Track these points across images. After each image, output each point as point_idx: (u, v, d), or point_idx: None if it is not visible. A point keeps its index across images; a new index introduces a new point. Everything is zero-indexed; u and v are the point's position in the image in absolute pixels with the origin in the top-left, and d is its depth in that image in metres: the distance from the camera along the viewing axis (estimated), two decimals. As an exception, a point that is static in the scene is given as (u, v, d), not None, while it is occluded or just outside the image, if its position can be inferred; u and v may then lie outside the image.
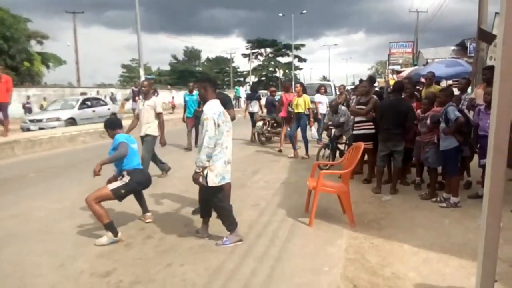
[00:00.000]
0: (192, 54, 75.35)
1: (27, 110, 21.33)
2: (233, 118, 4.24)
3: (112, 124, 4.39)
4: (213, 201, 3.93)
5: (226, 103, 4.42)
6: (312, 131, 9.56)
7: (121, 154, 4.07)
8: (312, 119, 9.17)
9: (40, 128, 13.58)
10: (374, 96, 6.61)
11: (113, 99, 27.11)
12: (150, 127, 6.43)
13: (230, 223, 3.99)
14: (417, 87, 7.61)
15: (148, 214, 4.68)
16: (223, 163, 3.81)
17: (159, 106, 6.53)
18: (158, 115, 6.49)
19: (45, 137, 10.83)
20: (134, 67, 64.62)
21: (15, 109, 20.77)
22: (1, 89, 10.19)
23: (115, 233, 3.99)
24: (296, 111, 8.87)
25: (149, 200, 5.06)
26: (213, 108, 3.74)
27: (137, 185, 4.27)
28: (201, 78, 4.12)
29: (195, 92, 9.26)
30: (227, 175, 3.90)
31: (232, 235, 3.99)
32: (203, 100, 3.92)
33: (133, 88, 19.84)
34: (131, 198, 4.49)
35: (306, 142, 9.05)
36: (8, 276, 3.37)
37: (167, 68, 72.95)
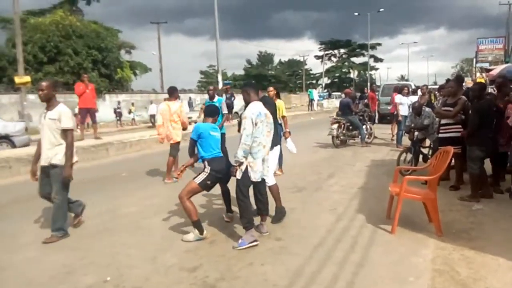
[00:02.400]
0: (265, 58, 76.38)
1: (118, 114, 23.30)
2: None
3: (207, 112, 4.60)
4: (238, 195, 4.08)
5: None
6: (289, 144, 6.38)
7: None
8: (287, 130, 6.79)
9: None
10: (463, 97, 6.17)
11: (191, 104, 28.56)
12: None
13: (248, 221, 4.07)
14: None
15: (230, 214, 4.86)
16: (261, 162, 4.10)
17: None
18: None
19: (134, 139, 11.81)
20: (211, 73, 67.39)
21: (107, 113, 22.93)
22: (90, 97, 11.35)
23: (201, 231, 4.22)
24: None
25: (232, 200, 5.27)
26: (251, 109, 4.05)
27: (216, 173, 4.22)
28: (244, 84, 4.60)
29: (217, 98, 8.11)
30: (266, 172, 4.21)
31: (247, 234, 4.04)
32: (246, 103, 4.26)
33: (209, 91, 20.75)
34: (215, 196, 4.69)
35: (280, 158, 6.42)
36: (107, 266, 3.73)
37: (242, 73, 74.85)
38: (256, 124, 3.99)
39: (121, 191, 6.63)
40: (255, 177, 4.07)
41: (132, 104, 24.94)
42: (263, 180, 4.26)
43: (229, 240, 4.25)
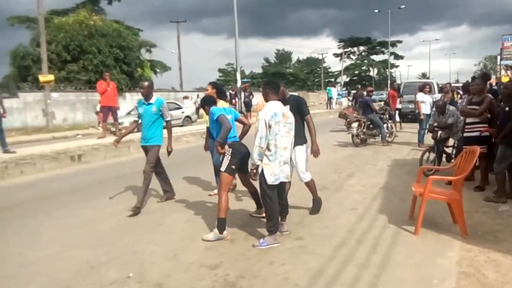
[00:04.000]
0: (283, 57, 76.24)
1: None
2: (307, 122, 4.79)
3: (205, 101, 4.82)
4: (264, 198, 4.05)
5: (300, 107, 4.79)
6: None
7: (226, 127, 4.22)
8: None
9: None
10: (489, 95, 5.99)
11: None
12: None
13: (273, 225, 4.02)
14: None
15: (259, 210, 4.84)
16: (278, 164, 3.94)
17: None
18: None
19: (154, 137, 11.91)
20: (230, 71, 67.55)
21: (128, 111, 23.28)
22: (111, 95, 11.54)
23: (222, 230, 4.19)
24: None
25: (250, 200, 5.28)
26: (266, 109, 3.91)
27: (238, 152, 4.30)
28: (264, 82, 4.47)
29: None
30: (282, 175, 4.01)
31: (270, 237, 4.01)
32: (265, 101, 4.15)
33: (230, 91, 20.82)
34: (238, 195, 4.68)
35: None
36: (130, 262, 3.78)
37: (260, 71, 74.83)
38: (270, 126, 3.85)
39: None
40: (270, 180, 3.93)
41: (152, 102, 25.21)
42: (282, 184, 4.11)
43: (249, 238, 4.25)
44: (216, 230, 4.18)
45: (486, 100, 5.79)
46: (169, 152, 5.82)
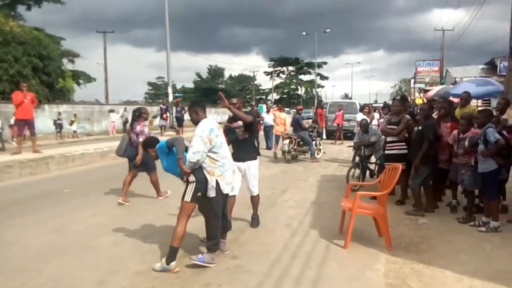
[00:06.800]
0: (215, 72, 76.66)
1: (58, 126, 21.99)
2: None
3: (153, 143, 4.34)
4: (211, 216, 3.93)
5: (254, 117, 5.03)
6: None
7: (179, 140, 3.95)
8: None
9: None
10: (406, 116, 6.52)
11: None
12: None
13: (215, 243, 3.98)
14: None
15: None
16: (231, 173, 4.02)
17: None
18: None
19: (77, 153, 11.15)
20: (160, 84, 66.12)
21: (46, 125, 21.56)
22: (29, 107, 10.55)
23: (170, 261, 3.82)
24: None
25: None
26: (202, 127, 3.87)
27: (203, 180, 3.96)
28: (191, 102, 4.22)
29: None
30: (235, 184, 4.14)
31: (209, 256, 3.93)
32: (195, 123, 4.02)
33: (161, 105, 20.28)
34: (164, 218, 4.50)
35: None
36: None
37: (191, 85, 74.28)
38: (211, 141, 3.83)
39: (64, 209, 6.19)
40: (227, 189, 3.95)
41: (75, 115, 23.69)
42: (227, 195, 4.08)
43: (182, 261, 4.02)
44: (163, 260, 3.85)
45: (403, 121, 6.29)
46: None
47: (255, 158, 5.03)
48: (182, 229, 3.84)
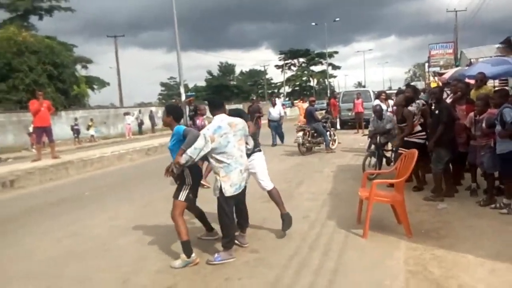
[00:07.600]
0: (226, 69, 76.64)
1: (76, 131, 22.42)
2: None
3: (178, 112, 4.26)
4: (220, 215, 3.97)
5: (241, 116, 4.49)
6: None
7: (194, 134, 3.84)
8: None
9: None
10: (406, 109, 6.35)
11: (152, 117, 28.03)
12: None
13: (229, 241, 4.00)
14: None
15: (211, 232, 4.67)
16: (238, 172, 3.94)
17: None
18: None
19: (95, 157, 11.36)
20: (173, 85, 66.59)
21: (64, 131, 22.01)
22: (46, 114, 10.78)
23: (189, 254, 3.91)
24: None
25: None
26: (209, 126, 3.96)
27: (197, 181, 4.17)
28: (208, 102, 4.33)
29: None
30: (243, 183, 4.04)
31: (225, 253, 3.96)
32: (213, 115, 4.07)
33: (174, 105, 20.37)
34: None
35: None
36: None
37: (203, 84, 74.54)
38: (213, 140, 3.79)
39: (85, 212, 6.33)
40: (230, 191, 3.89)
41: (91, 120, 24.13)
42: (241, 196, 4.12)
43: (202, 256, 4.10)
44: (183, 256, 3.92)
45: (406, 116, 6.20)
46: None
47: (258, 150, 4.79)
48: (182, 224, 3.93)
